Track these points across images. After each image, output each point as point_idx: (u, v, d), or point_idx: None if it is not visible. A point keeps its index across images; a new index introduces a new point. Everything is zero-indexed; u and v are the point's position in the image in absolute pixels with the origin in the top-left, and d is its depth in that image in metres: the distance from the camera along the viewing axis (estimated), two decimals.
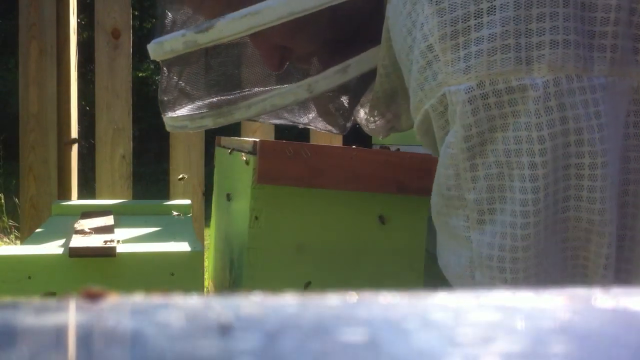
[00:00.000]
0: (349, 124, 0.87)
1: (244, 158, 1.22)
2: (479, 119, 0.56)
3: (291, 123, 0.89)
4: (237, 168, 1.30)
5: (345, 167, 1.15)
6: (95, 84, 2.06)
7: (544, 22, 0.54)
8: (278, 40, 0.77)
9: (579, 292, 0.24)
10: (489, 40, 0.55)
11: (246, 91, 0.88)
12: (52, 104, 1.98)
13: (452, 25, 0.56)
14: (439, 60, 0.58)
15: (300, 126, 0.90)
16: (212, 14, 0.75)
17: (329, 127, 0.88)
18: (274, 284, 1.15)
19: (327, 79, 0.76)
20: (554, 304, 0.23)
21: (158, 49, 0.76)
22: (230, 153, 1.41)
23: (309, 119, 0.88)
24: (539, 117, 0.54)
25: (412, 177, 1.17)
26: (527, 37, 0.54)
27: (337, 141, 2.18)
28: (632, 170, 0.59)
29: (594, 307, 0.23)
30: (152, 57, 0.79)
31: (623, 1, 0.55)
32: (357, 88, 0.82)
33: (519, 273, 0.57)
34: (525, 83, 0.54)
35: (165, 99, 0.85)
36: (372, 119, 0.86)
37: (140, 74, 6.96)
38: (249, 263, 1.16)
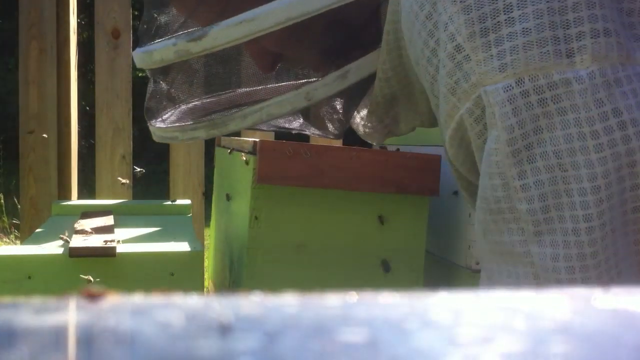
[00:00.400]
0: (344, 129, 0.85)
1: (244, 158, 1.22)
2: (521, 119, 0.52)
3: (284, 129, 0.87)
4: (237, 168, 1.30)
5: (345, 167, 1.15)
6: (95, 84, 2.06)
7: (581, 11, 0.51)
8: (270, 46, 0.76)
9: (579, 292, 0.24)
10: (523, 34, 0.51)
11: (239, 97, 0.86)
12: (52, 104, 1.98)
13: (480, 22, 0.53)
14: (470, 60, 0.54)
15: (294, 132, 0.88)
16: (205, 21, 0.72)
17: (324, 133, 0.86)
18: (274, 284, 1.15)
19: (327, 86, 0.73)
20: (554, 304, 0.23)
21: (147, 58, 0.73)
22: (230, 153, 1.41)
23: (303, 124, 0.86)
24: (588, 111, 0.51)
25: (412, 177, 1.17)
26: (564, 28, 0.51)
27: (338, 141, 2.18)
28: None
29: (594, 307, 0.23)
30: (138, 66, 0.76)
31: None
32: (355, 93, 0.80)
33: (591, 281, 0.53)
34: (569, 76, 0.51)
35: (153, 106, 0.83)
36: (369, 124, 0.84)
37: (140, 74, 6.95)
38: (249, 263, 1.16)
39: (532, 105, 0.52)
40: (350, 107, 0.82)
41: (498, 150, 0.54)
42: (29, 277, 1.05)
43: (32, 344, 0.18)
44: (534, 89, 0.51)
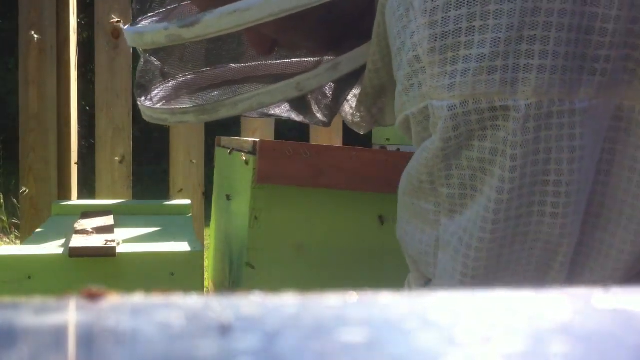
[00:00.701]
0: (332, 117, 0.86)
1: (244, 158, 1.22)
2: (459, 133, 0.57)
3: (273, 115, 0.88)
4: (237, 168, 1.30)
5: (345, 167, 1.14)
6: (95, 84, 2.06)
7: (534, 44, 0.54)
8: (268, 33, 0.77)
9: (579, 292, 0.24)
10: (477, 59, 0.55)
11: (230, 83, 0.86)
12: (52, 104, 1.98)
13: (442, 40, 0.56)
14: (425, 72, 0.57)
15: (283, 118, 0.89)
16: (200, 4, 0.73)
17: (313, 120, 0.87)
18: (273, 284, 1.15)
19: (318, 77, 0.75)
20: (554, 304, 0.23)
21: (137, 39, 0.73)
22: (229, 153, 1.41)
23: (292, 111, 0.87)
24: (515, 136, 0.55)
25: None
26: (515, 58, 0.54)
27: (338, 141, 2.18)
28: (600, 183, 0.60)
29: (594, 307, 0.23)
30: (129, 44, 0.76)
31: (620, 25, 0.55)
32: (345, 83, 0.81)
33: (480, 262, 0.60)
34: (509, 104, 0.55)
35: (143, 83, 0.83)
36: (357, 113, 0.85)
37: None
38: (249, 263, 1.16)
39: (471, 122, 0.56)
40: (340, 96, 0.83)
41: (431, 150, 0.59)
42: (29, 277, 1.05)
43: (32, 344, 0.18)
44: (475, 110, 0.56)
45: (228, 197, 1.42)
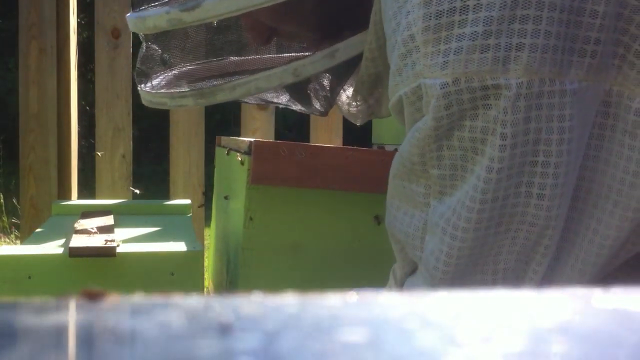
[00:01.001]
0: (330, 107, 0.87)
1: (239, 158, 1.21)
2: (451, 112, 0.58)
3: (272, 103, 0.89)
4: (234, 168, 1.30)
5: (340, 167, 1.14)
6: (95, 84, 2.06)
7: (527, 24, 0.55)
8: (266, 21, 0.77)
9: (579, 292, 0.24)
10: (470, 38, 0.56)
11: (229, 69, 0.87)
12: (52, 104, 1.98)
13: (436, 19, 0.57)
14: (419, 51, 0.58)
15: (281, 106, 0.89)
16: None
17: (310, 110, 0.88)
18: (269, 285, 1.15)
19: (314, 63, 0.76)
20: (553, 304, 0.23)
21: (139, 24, 0.74)
22: (227, 154, 1.41)
23: (290, 100, 0.88)
24: (505, 115, 0.56)
25: None
26: (507, 37, 0.55)
27: (338, 141, 2.18)
28: (588, 168, 0.61)
29: (594, 307, 0.23)
30: (131, 30, 0.78)
31: (610, 7, 0.56)
32: (342, 72, 0.82)
33: (467, 243, 0.60)
34: (500, 83, 0.55)
35: (144, 69, 0.84)
36: (354, 103, 0.86)
37: None
38: (244, 263, 1.15)
39: (463, 101, 0.57)
40: (337, 85, 0.84)
41: (423, 130, 0.60)
42: (29, 277, 1.05)
43: (32, 344, 0.18)
44: (467, 89, 0.56)
45: (226, 198, 1.42)
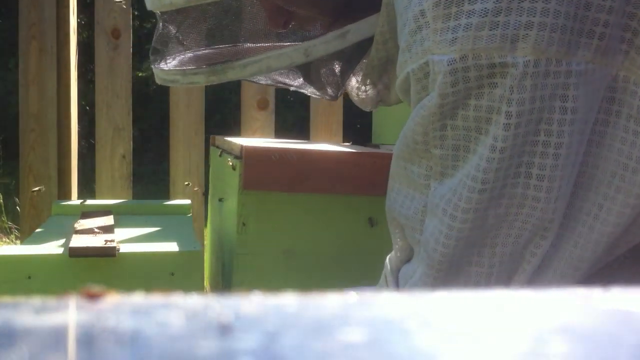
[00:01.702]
0: (340, 92, 0.87)
1: (231, 163, 1.21)
2: (457, 89, 0.58)
3: (282, 85, 0.89)
4: (226, 171, 1.29)
5: (332, 170, 1.14)
6: (95, 84, 2.06)
7: (537, 2, 0.55)
8: (282, 4, 0.78)
9: (579, 292, 0.24)
10: (480, 14, 0.56)
11: (243, 48, 0.87)
12: (52, 104, 1.98)
13: None
14: (429, 27, 0.58)
15: (292, 89, 0.90)
16: None
17: (321, 93, 0.89)
18: (263, 290, 1.14)
19: (325, 44, 0.76)
20: (554, 304, 0.23)
21: (156, 1, 0.75)
22: (220, 155, 1.41)
23: (301, 83, 0.88)
24: (511, 93, 0.56)
25: None
26: (517, 15, 0.55)
27: (338, 140, 2.18)
28: (591, 154, 0.61)
29: (594, 307, 0.23)
30: (148, 8, 0.78)
31: None
32: (353, 56, 0.82)
33: (453, 230, 0.61)
34: (507, 61, 0.55)
35: (159, 48, 0.85)
36: (363, 87, 0.86)
37: (140, 74, 6.95)
38: (238, 269, 1.15)
39: (469, 79, 0.57)
40: (348, 69, 0.84)
41: (429, 107, 0.60)
42: (29, 277, 1.05)
43: (32, 344, 0.18)
44: (474, 66, 0.56)
45: (220, 200, 1.41)
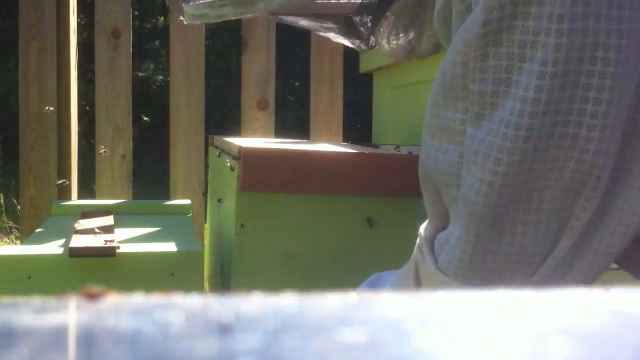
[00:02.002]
0: (371, 41, 0.86)
1: (229, 164, 1.20)
2: (503, 2, 0.52)
3: (314, 29, 0.88)
4: (224, 172, 1.29)
5: (330, 171, 1.13)
6: (95, 84, 2.06)
7: None
8: None
9: (579, 292, 0.24)
10: None
11: None
12: (52, 104, 1.98)
13: None
14: None
15: (322, 33, 0.89)
16: None
17: (352, 42, 0.88)
18: (262, 292, 1.14)
19: None
20: (554, 304, 0.23)
21: None
22: (218, 156, 1.40)
23: (335, 31, 0.87)
24: (563, 7, 0.50)
25: (399, 179, 1.16)
26: None
27: (338, 140, 2.18)
28: (631, 146, 0.56)
29: (594, 307, 0.23)
30: None
31: None
32: (382, 4, 0.81)
33: (497, 176, 0.55)
34: None
35: None
36: (393, 35, 0.84)
37: (140, 74, 6.96)
38: (236, 271, 1.15)
39: None
40: (378, 18, 0.82)
41: (472, 27, 0.55)
42: (29, 277, 1.05)
43: (32, 344, 0.18)
44: None
45: (219, 201, 1.41)
